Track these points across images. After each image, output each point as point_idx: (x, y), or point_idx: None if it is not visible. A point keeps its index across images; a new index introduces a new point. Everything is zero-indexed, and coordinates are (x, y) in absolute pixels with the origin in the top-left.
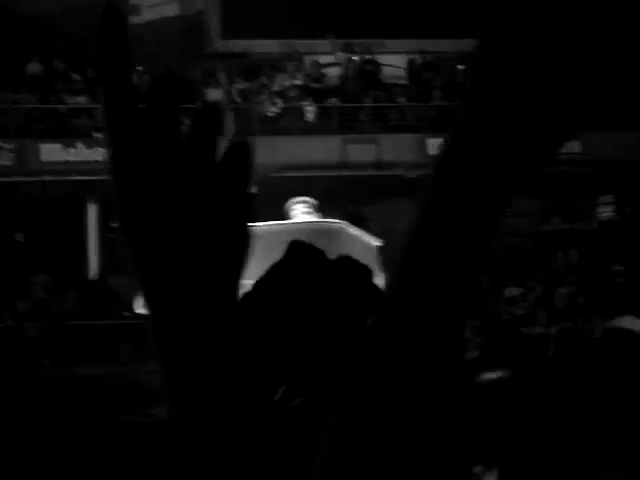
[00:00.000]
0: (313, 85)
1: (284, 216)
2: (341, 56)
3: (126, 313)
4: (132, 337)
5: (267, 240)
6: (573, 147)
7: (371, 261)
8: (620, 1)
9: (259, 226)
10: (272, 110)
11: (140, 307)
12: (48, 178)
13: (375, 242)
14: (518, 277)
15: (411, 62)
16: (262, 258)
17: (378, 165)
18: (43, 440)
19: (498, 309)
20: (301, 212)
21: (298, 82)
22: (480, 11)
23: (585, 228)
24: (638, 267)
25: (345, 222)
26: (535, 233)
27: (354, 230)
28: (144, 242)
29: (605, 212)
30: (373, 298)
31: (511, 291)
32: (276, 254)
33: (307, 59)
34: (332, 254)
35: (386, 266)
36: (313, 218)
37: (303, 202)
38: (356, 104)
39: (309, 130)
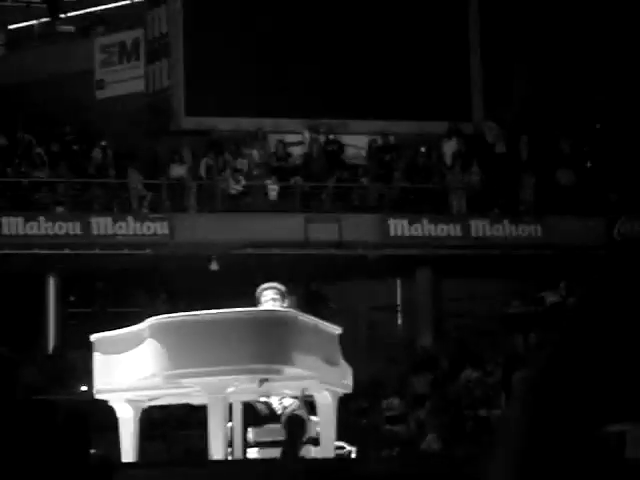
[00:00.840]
0: (277, 164)
1: (248, 295)
2: (306, 135)
3: (83, 387)
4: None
5: (215, 328)
6: (535, 231)
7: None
8: None
9: (213, 313)
10: (235, 187)
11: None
12: (8, 251)
13: (335, 330)
14: (477, 360)
15: (372, 143)
16: (207, 346)
17: (339, 244)
18: None
19: (457, 391)
20: (270, 298)
21: (262, 160)
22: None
23: (543, 312)
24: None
25: (296, 311)
26: (496, 316)
27: (308, 318)
28: None
29: (552, 295)
30: None
31: (469, 374)
32: (225, 342)
33: (272, 137)
34: (286, 344)
35: (345, 354)
36: (278, 305)
37: (272, 288)
38: (319, 184)
39: (272, 208)
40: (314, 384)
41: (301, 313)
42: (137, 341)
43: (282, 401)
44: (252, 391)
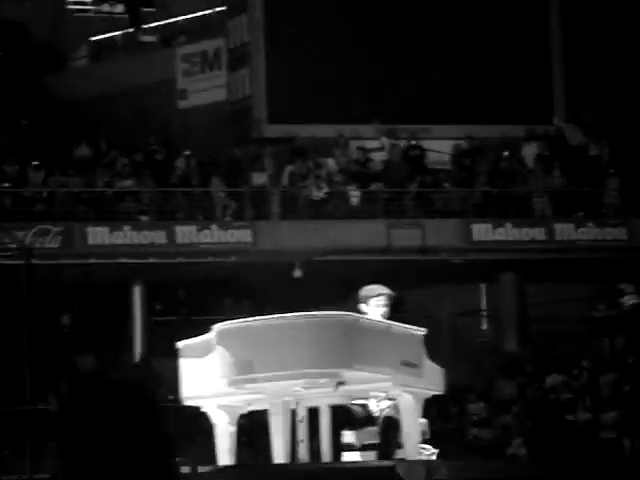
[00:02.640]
0: (358, 170)
1: (331, 301)
2: (386, 141)
3: (170, 396)
4: (175, 421)
5: (275, 333)
6: (620, 234)
7: (411, 351)
8: None
9: (274, 318)
10: (318, 194)
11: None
12: (94, 261)
13: (417, 331)
14: (563, 364)
15: (456, 147)
16: (268, 351)
17: (423, 250)
18: None
19: (543, 396)
20: (382, 304)
21: (343, 167)
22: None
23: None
24: None
25: (357, 314)
26: (582, 319)
27: (377, 321)
28: None
29: (631, 298)
30: None
31: (554, 378)
32: (283, 346)
33: (353, 144)
34: (347, 347)
35: (430, 352)
36: (387, 313)
37: (384, 295)
38: (401, 189)
39: (354, 214)
40: (391, 386)
41: (366, 316)
42: (210, 347)
43: (379, 404)
44: (336, 395)
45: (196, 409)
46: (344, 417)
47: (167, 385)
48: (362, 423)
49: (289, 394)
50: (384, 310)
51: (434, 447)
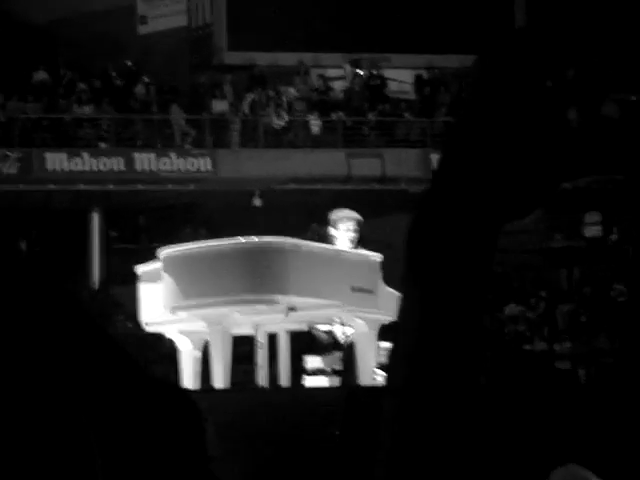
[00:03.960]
0: (319, 98)
1: (290, 230)
2: (348, 70)
3: (129, 324)
4: (134, 347)
5: (212, 260)
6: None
7: (364, 276)
8: None
9: (212, 245)
10: (278, 123)
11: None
12: (53, 187)
13: (372, 257)
14: (521, 294)
15: (418, 77)
16: (206, 278)
17: (382, 179)
18: None
19: (500, 326)
20: (345, 228)
21: (304, 95)
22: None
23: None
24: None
25: (301, 240)
26: (539, 250)
27: (323, 247)
28: None
29: (592, 230)
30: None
31: (512, 309)
32: (220, 272)
33: (314, 72)
34: (283, 273)
35: (386, 279)
36: (355, 238)
37: (352, 220)
38: (361, 118)
39: (314, 143)
40: (341, 312)
41: (310, 242)
42: (160, 274)
43: (345, 330)
44: (293, 320)
45: (157, 335)
46: (308, 343)
47: (126, 312)
48: (327, 349)
49: (227, 320)
50: (353, 235)
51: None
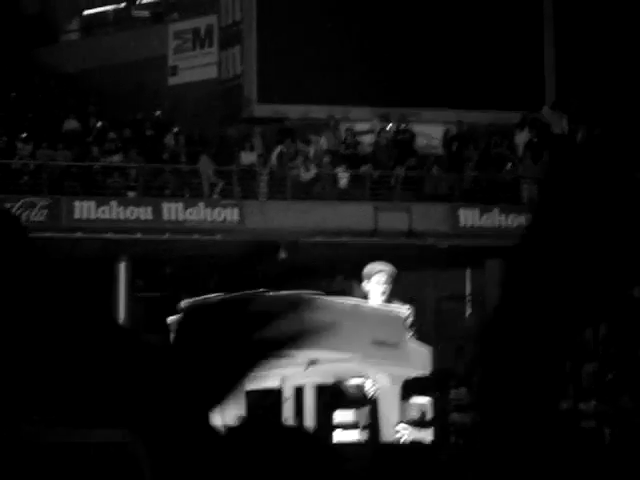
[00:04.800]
0: (347, 152)
1: (316, 282)
2: (376, 124)
3: None
4: None
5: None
6: None
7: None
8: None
9: (221, 296)
10: (306, 175)
11: None
12: (80, 235)
13: (399, 311)
14: None
15: (446, 132)
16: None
17: (409, 233)
18: None
19: None
20: (377, 282)
21: (333, 148)
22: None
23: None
24: None
25: (316, 293)
26: None
27: (339, 300)
28: None
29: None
30: None
31: None
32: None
33: (342, 126)
34: (298, 327)
35: (416, 333)
36: (387, 290)
37: (383, 272)
38: (389, 172)
39: (342, 196)
40: (362, 366)
41: (328, 295)
42: None
43: (375, 384)
44: (313, 374)
45: None
46: (336, 397)
47: None
48: (357, 403)
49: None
50: (385, 288)
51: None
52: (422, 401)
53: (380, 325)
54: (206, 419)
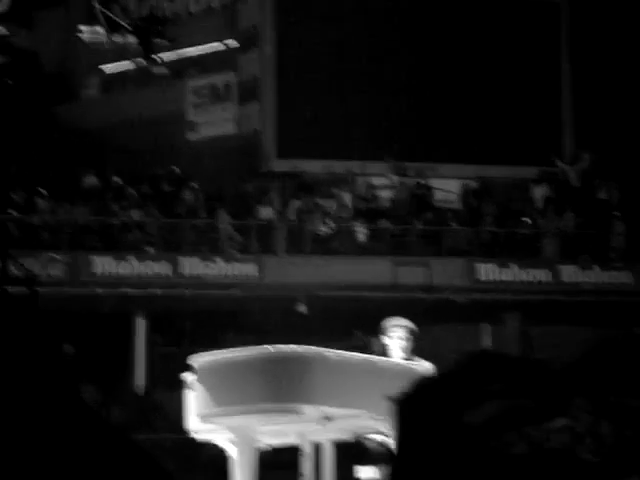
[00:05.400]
0: (365, 206)
1: (336, 336)
2: (394, 179)
3: (172, 430)
4: (173, 454)
5: (235, 368)
6: (626, 277)
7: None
8: None
9: (235, 353)
10: (324, 230)
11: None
12: (100, 290)
13: (415, 366)
14: (564, 407)
15: (465, 187)
16: (229, 386)
17: (428, 288)
18: None
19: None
20: (398, 337)
21: (350, 203)
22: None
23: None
24: None
25: (310, 348)
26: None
27: (350, 355)
28: None
29: None
30: None
31: (558, 422)
32: (243, 381)
33: (360, 180)
34: (306, 382)
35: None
36: (406, 346)
37: (402, 327)
38: (407, 226)
39: (360, 251)
40: (377, 423)
41: (341, 351)
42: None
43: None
44: (335, 430)
45: (198, 443)
46: (359, 453)
47: (168, 418)
48: (379, 459)
49: (250, 430)
50: (405, 344)
51: None
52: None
53: (397, 381)
54: None
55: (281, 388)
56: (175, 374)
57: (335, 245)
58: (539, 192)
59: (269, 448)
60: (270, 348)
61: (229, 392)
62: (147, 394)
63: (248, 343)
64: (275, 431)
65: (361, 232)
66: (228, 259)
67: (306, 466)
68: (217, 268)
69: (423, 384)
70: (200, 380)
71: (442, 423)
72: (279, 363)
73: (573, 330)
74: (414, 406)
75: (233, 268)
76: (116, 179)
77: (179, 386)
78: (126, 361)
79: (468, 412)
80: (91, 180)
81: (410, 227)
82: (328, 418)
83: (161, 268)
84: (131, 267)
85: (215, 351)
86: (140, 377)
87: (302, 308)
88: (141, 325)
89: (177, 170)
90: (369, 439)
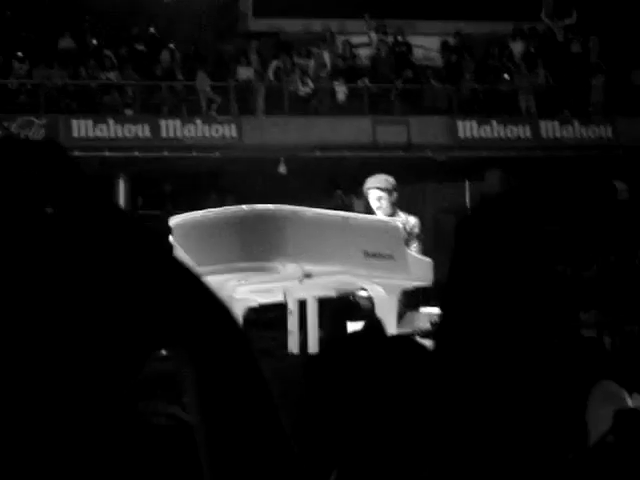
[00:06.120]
0: (344, 65)
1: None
2: (373, 37)
3: None
4: None
5: (209, 228)
6: (606, 132)
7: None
8: None
9: (207, 213)
10: (303, 90)
11: None
12: (78, 154)
13: (389, 222)
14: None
15: (444, 44)
16: (206, 246)
17: (408, 147)
18: None
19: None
20: (376, 197)
21: (330, 62)
22: None
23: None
24: None
25: (283, 206)
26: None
27: (322, 212)
28: None
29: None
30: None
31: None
32: (219, 240)
33: (339, 39)
34: (279, 240)
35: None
36: (385, 203)
37: (376, 188)
38: (387, 85)
39: (340, 111)
40: (355, 278)
41: (313, 209)
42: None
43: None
44: (319, 287)
45: None
46: (348, 309)
47: None
48: (367, 315)
49: (229, 288)
50: (384, 202)
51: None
52: (433, 311)
53: (373, 236)
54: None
55: (256, 246)
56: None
57: (314, 105)
58: (517, 48)
59: (257, 305)
60: (244, 207)
61: (205, 252)
62: None
63: (229, 204)
64: (259, 289)
65: (341, 91)
66: (207, 121)
67: (292, 322)
68: (196, 130)
69: (483, 205)
70: (177, 240)
71: (520, 234)
72: (253, 221)
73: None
74: (473, 226)
75: (212, 130)
76: (93, 40)
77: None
78: None
79: (548, 223)
80: (67, 42)
81: (390, 86)
82: (307, 275)
83: (140, 130)
84: (110, 130)
85: (192, 212)
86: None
87: (282, 168)
88: (122, 188)
89: (153, 31)
90: (357, 295)
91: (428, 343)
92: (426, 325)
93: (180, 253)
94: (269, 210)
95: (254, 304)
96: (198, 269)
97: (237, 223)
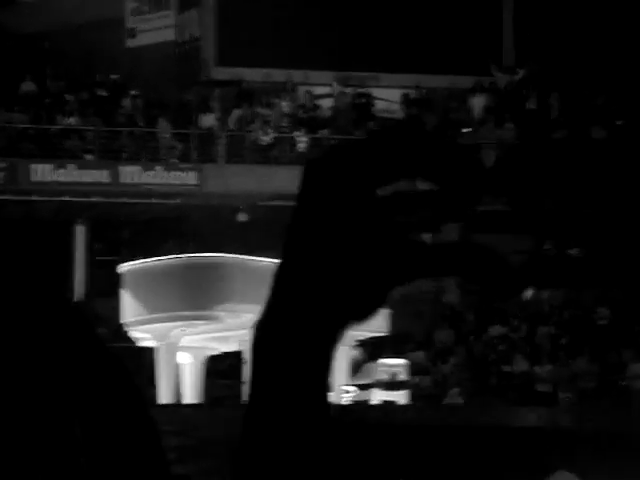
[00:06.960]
0: (306, 115)
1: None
2: (335, 88)
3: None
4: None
5: (153, 276)
6: None
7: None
8: None
9: (153, 261)
10: (264, 139)
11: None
12: (37, 198)
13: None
14: (502, 316)
15: (405, 96)
16: (149, 295)
17: None
18: None
19: (481, 347)
20: None
21: (291, 112)
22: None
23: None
24: (623, 310)
25: (229, 255)
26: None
27: (244, 260)
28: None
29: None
30: None
31: (495, 329)
32: (164, 288)
33: (301, 89)
34: (223, 288)
35: None
36: None
37: None
38: (348, 136)
39: (300, 160)
40: None
41: (257, 258)
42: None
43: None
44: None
45: (139, 348)
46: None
47: (108, 325)
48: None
49: (173, 336)
50: None
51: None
52: (393, 362)
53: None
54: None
55: (199, 295)
56: (114, 282)
57: (275, 154)
58: (477, 102)
59: (220, 353)
60: (185, 256)
61: (152, 300)
62: (87, 302)
63: (189, 251)
64: (215, 338)
65: (301, 141)
66: (168, 168)
67: (247, 372)
68: (157, 176)
69: (339, 148)
70: (127, 287)
71: (352, 193)
72: (195, 270)
73: (511, 239)
74: (324, 168)
75: (173, 177)
76: (54, 84)
77: (118, 294)
78: (65, 269)
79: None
80: (28, 86)
81: (350, 137)
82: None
83: (100, 176)
84: (70, 175)
85: (147, 258)
86: (80, 285)
87: (242, 217)
88: (80, 233)
89: (115, 77)
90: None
91: (389, 395)
92: (385, 376)
93: (125, 299)
94: (213, 259)
95: (216, 352)
96: (146, 317)
97: (179, 272)
